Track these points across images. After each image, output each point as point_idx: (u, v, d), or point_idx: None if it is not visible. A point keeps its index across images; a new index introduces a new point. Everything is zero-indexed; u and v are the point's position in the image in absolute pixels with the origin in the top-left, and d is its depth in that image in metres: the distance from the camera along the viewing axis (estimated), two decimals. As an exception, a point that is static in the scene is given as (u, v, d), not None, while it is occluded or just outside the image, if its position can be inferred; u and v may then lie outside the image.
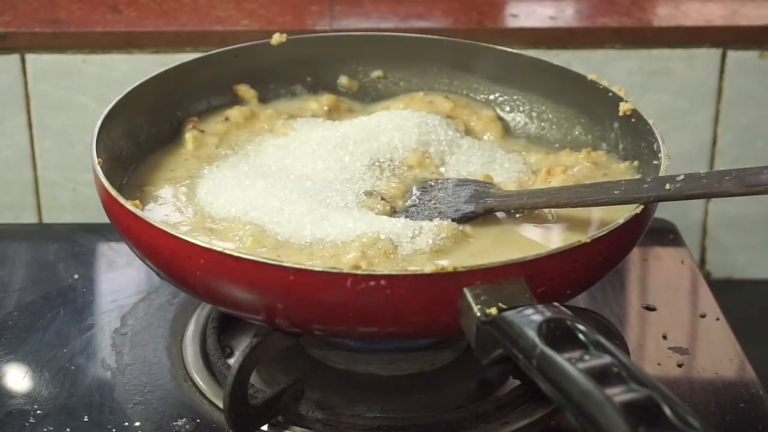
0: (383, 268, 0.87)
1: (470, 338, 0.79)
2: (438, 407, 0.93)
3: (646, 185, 0.88)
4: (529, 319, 0.74)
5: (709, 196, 0.87)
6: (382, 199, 0.97)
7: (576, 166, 1.02)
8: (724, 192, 0.84)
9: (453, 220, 0.94)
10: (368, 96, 1.17)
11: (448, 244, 0.91)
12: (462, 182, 1.00)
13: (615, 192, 0.89)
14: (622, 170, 1.02)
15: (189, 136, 1.07)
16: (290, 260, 0.84)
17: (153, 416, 0.93)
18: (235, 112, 1.11)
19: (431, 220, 0.93)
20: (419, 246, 0.90)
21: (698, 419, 0.65)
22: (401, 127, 1.05)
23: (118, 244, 1.14)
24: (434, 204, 0.97)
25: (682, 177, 0.86)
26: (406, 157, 1.03)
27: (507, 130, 1.13)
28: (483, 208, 0.95)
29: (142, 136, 1.05)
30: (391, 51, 1.17)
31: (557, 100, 1.11)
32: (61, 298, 1.10)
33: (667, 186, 0.87)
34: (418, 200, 0.98)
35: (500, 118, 1.13)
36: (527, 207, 0.95)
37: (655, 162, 0.96)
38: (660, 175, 0.91)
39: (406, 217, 0.95)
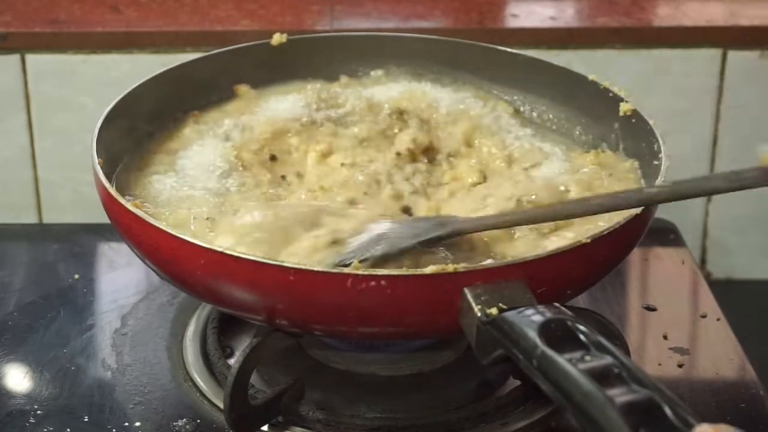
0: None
1: (471, 338, 0.79)
2: (438, 407, 0.93)
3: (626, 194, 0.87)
4: (530, 319, 0.74)
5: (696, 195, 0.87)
6: None
7: (583, 168, 1.02)
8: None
9: (416, 245, 0.86)
10: (368, 96, 1.17)
11: None
12: (419, 218, 0.94)
13: (595, 202, 0.87)
14: (627, 169, 1.01)
15: (188, 130, 1.07)
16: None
17: (153, 416, 0.93)
18: (235, 112, 1.11)
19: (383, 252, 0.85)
20: None
21: (698, 420, 0.65)
22: None
23: (118, 244, 1.14)
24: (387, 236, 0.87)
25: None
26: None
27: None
28: (452, 229, 0.87)
29: (142, 137, 1.05)
30: (391, 51, 1.16)
31: (557, 100, 1.11)
32: (61, 298, 1.10)
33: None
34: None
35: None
36: (499, 227, 0.89)
37: (656, 162, 0.96)
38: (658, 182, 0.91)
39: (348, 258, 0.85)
